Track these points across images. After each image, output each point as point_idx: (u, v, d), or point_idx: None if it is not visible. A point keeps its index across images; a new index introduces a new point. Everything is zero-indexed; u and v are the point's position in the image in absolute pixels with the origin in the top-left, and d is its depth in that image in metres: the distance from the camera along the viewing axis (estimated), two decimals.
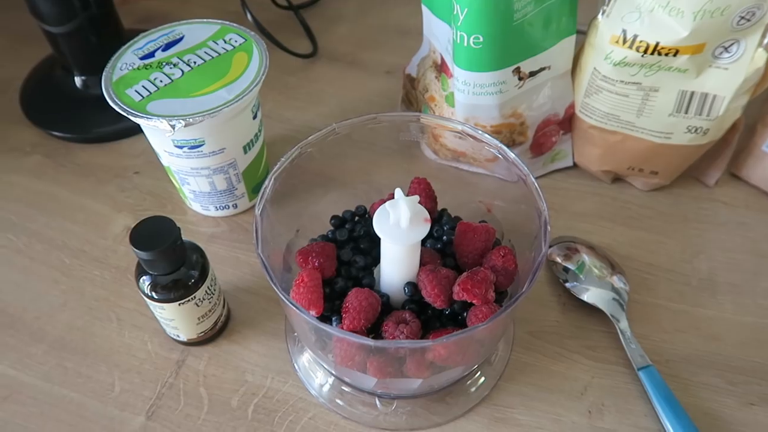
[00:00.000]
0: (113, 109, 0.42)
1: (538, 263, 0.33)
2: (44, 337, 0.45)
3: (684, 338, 0.44)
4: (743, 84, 0.43)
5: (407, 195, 0.36)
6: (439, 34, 0.48)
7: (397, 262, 0.37)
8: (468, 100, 0.46)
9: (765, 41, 0.41)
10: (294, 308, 0.33)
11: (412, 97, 0.55)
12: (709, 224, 0.51)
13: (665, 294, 0.46)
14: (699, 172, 0.52)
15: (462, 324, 0.38)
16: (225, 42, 0.46)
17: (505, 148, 0.38)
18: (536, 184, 0.36)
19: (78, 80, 0.59)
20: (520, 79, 0.45)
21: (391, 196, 0.42)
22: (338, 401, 0.41)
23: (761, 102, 0.49)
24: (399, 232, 0.35)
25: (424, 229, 0.35)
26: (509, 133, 0.49)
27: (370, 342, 0.32)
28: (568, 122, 0.51)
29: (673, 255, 0.49)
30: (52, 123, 0.58)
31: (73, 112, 0.58)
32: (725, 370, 0.42)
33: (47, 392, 0.42)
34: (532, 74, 0.46)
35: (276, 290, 0.33)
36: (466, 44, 0.42)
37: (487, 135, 0.39)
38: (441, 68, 0.50)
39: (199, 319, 0.41)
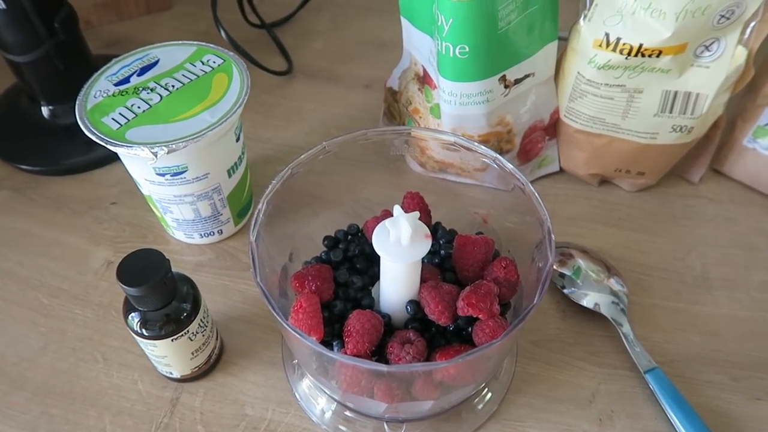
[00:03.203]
0: (85, 138, 0.40)
1: (546, 273, 0.33)
2: (26, 383, 0.42)
3: (684, 337, 0.44)
4: (725, 81, 0.44)
5: None
6: (420, 46, 0.47)
7: (398, 280, 0.36)
8: (455, 110, 0.46)
9: (744, 38, 0.42)
10: (297, 336, 0.31)
11: (395, 110, 0.55)
12: (697, 221, 0.51)
13: (661, 293, 0.46)
14: (683, 170, 0.53)
15: (467, 339, 0.37)
16: (203, 63, 0.44)
17: (501, 158, 0.38)
18: (536, 193, 0.36)
19: (45, 110, 0.56)
20: (506, 87, 0.45)
21: (385, 214, 0.42)
22: (343, 428, 0.39)
23: (739, 97, 0.49)
24: (400, 250, 0.34)
25: (426, 245, 0.34)
26: (497, 142, 0.49)
27: (383, 368, 0.30)
28: (553, 128, 0.51)
29: (666, 254, 0.49)
30: (19, 156, 0.55)
31: (42, 143, 0.55)
32: (727, 367, 0.42)
33: None
34: (518, 81, 0.46)
35: (278, 318, 0.32)
36: (452, 55, 0.42)
37: (482, 146, 0.39)
38: (424, 80, 0.49)
39: (192, 353, 0.39)
